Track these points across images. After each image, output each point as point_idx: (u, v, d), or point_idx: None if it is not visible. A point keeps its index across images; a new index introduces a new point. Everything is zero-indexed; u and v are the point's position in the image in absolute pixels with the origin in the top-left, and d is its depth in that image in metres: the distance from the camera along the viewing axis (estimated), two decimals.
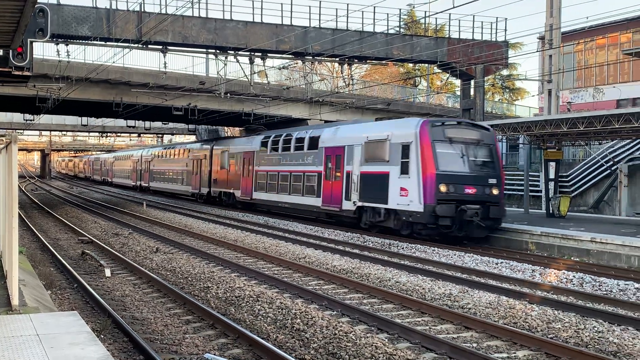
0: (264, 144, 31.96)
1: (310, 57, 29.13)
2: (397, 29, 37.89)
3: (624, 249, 17.27)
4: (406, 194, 20.79)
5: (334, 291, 12.70)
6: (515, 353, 8.56)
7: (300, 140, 28.53)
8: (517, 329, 9.58)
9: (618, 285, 13.34)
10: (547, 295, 12.21)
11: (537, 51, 35.75)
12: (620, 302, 11.70)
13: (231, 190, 35.39)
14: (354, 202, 23.67)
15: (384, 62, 34.25)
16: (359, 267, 15.52)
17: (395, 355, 8.17)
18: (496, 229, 20.83)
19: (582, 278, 14.20)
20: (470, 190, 20.35)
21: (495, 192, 20.78)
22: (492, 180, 20.87)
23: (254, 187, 32.26)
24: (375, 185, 22.45)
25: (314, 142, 27.17)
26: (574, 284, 13.71)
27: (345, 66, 30.41)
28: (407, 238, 21.19)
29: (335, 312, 10.71)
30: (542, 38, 33.98)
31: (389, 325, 9.65)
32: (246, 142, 34.55)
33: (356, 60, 29.92)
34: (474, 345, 8.88)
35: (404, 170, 21.06)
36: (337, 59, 29.04)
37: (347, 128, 25.90)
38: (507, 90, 61.50)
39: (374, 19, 34.54)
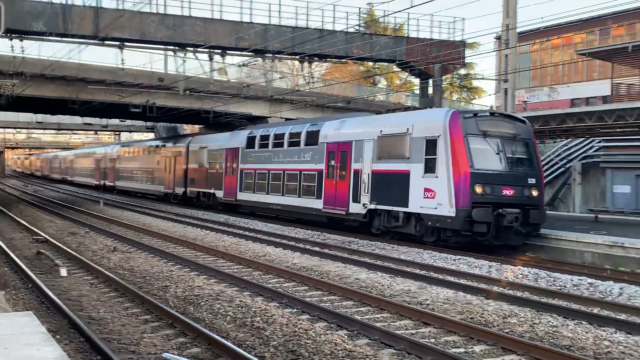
0: (250, 139, 29.31)
1: (271, 55, 29.08)
2: (357, 27, 38.07)
3: (578, 245, 17.68)
4: (432, 196, 18.27)
5: (294, 289, 12.72)
6: (472, 348, 8.70)
7: (295, 135, 25.86)
8: (474, 324, 9.74)
9: (572, 281, 13.65)
10: (503, 291, 12.44)
11: (493, 51, 36.33)
12: (574, 297, 11.99)
13: (211, 191, 32.90)
14: (363, 204, 21.07)
15: (343, 60, 34.38)
16: (319, 264, 15.57)
17: (354, 351, 8.23)
18: (535, 235, 18.65)
19: (537, 274, 14.49)
20: (508, 192, 18.01)
21: (535, 193, 18.46)
22: (532, 180, 18.53)
23: (239, 187, 29.75)
24: (392, 185, 19.95)
25: (312, 137, 24.59)
26: (529, 280, 13.98)
27: (306, 64, 30.44)
28: (366, 236, 21.21)
29: (295, 310, 10.72)
30: (498, 38, 34.54)
31: (348, 322, 9.70)
32: (229, 138, 32.08)
33: (316, 59, 29.98)
34: (432, 340, 8.99)
35: (430, 168, 18.55)
36: (298, 57, 29.04)
37: (354, 121, 23.39)
38: (464, 89, 62.32)
39: (333, 18, 34.70)
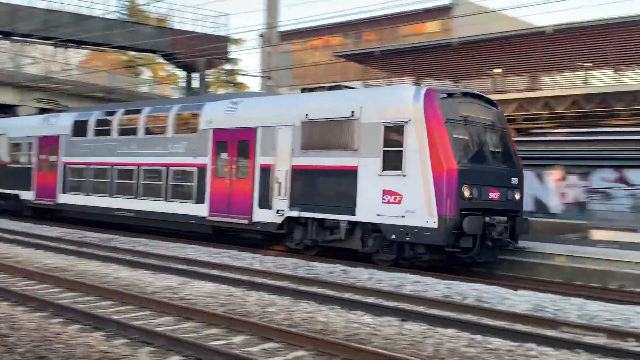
0: (80, 125, 23.44)
1: (19, 38, 26.75)
2: (118, 14, 36.59)
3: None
4: (398, 201, 14.40)
5: (45, 291, 11.83)
6: (232, 339, 8.80)
7: (157, 119, 20.80)
8: (235, 315, 9.87)
9: (327, 269, 14.47)
10: (264, 281, 12.79)
11: (256, 48, 37.22)
12: (328, 283, 12.72)
13: (14, 191, 26.37)
14: (278, 211, 16.71)
15: (102, 48, 32.78)
16: (76, 264, 14.74)
17: (110, 352, 7.89)
18: (515, 249, 15.57)
19: (296, 263, 15.14)
20: (494, 195, 14.75)
21: (517, 196, 15.39)
22: (515, 180, 15.44)
23: (62, 188, 23.83)
24: (327, 186, 15.87)
25: (188, 123, 19.73)
26: (289, 269, 14.56)
27: (61, 50, 28.50)
28: (133, 233, 20.41)
29: (46, 313, 9.97)
30: (262, 35, 35.43)
31: (105, 323, 9.26)
32: (43, 122, 25.60)
33: (72, 44, 28.21)
34: (193, 335, 8.94)
35: (393, 164, 14.62)
36: (51, 41, 27.08)
37: (257, 102, 18.70)
38: (230, 84, 63.03)
39: (91, 2, 32.95)
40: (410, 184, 14.24)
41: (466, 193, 14.06)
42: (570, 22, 23.14)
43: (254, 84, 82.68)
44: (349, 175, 15.32)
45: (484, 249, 14.35)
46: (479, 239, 14.10)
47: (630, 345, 8.78)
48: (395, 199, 14.48)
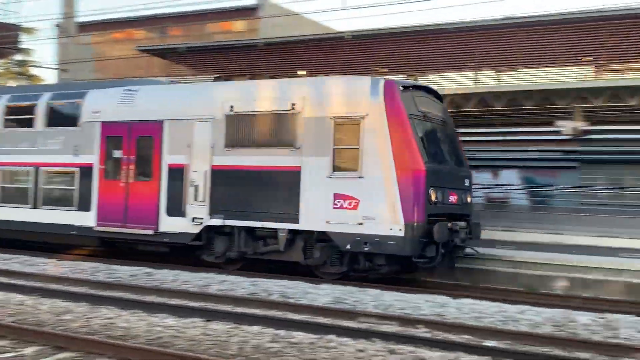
0: None
1: None
2: None
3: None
4: (353, 206, 12.76)
5: None
6: (22, 351, 8.17)
7: (22, 109, 17.52)
8: (26, 325, 9.18)
9: (129, 272, 13.99)
10: (59, 288, 12.05)
11: (51, 38, 35.01)
12: (130, 287, 12.29)
13: None
14: (194, 219, 14.48)
15: None
16: None
17: None
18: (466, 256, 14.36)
19: (96, 267, 14.48)
20: (453, 199, 13.54)
21: (469, 199, 14.44)
22: (467, 182, 14.41)
23: None
24: (261, 190, 13.79)
25: (66, 114, 16.73)
26: (87, 273, 13.87)
27: None
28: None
29: None
30: (58, 25, 33.34)
31: None
32: None
33: None
34: None
35: (347, 164, 13.00)
36: None
37: (165, 91, 16.04)
38: (22, 76, 58.46)
39: None
40: (369, 187, 12.74)
41: (433, 197, 12.80)
42: (367, 29, 24.46)
43: (50, 76, 77.60)
44: (290, 176, 13.46)
45: (445, 257, 13.17)
46: (441, 246, 12.83)
47: (420, 331, 9.47)
48: (350, 204, 12.88)
